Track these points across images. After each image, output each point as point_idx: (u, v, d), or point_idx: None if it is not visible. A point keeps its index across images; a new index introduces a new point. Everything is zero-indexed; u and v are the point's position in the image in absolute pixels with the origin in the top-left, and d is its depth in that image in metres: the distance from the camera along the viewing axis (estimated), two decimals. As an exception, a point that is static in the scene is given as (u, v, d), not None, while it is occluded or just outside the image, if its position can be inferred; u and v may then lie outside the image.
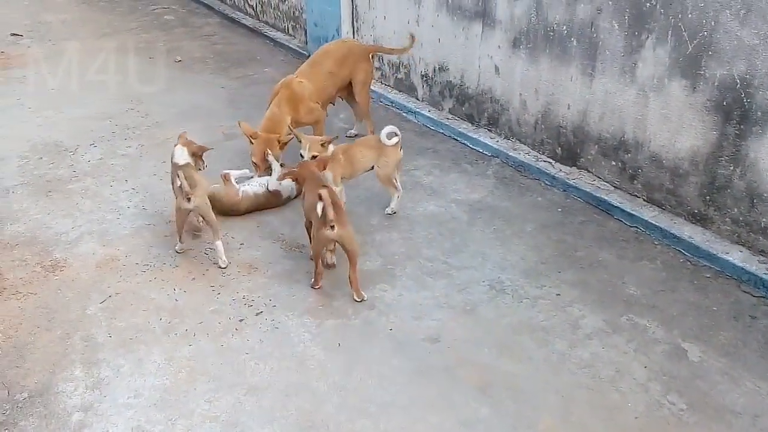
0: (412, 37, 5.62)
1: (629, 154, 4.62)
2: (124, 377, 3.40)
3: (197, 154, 4.54)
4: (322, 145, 4.54)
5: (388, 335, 3.67)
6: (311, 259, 4.17)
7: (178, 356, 3.53)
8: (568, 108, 4.96)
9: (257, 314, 3.85)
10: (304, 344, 3.61)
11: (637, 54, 4.37)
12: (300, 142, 4.61)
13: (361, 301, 3.93)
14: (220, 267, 4.26)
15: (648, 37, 4.26)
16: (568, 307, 3.87)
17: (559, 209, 4.84)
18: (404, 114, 6.53)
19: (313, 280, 4.10)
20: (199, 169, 4.52)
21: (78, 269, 4.27)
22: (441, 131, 6.09)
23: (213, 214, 4.31)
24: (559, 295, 3.97)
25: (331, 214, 3.75)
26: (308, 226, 4.19)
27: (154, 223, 4.77)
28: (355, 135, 6.13)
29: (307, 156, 4.51)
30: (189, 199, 4.19)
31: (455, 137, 5.90)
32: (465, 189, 5.15)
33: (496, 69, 5.48)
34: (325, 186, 3.95)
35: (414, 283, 4.08)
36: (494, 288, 4.03)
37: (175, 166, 4.37)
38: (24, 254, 4.42)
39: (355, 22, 7.06)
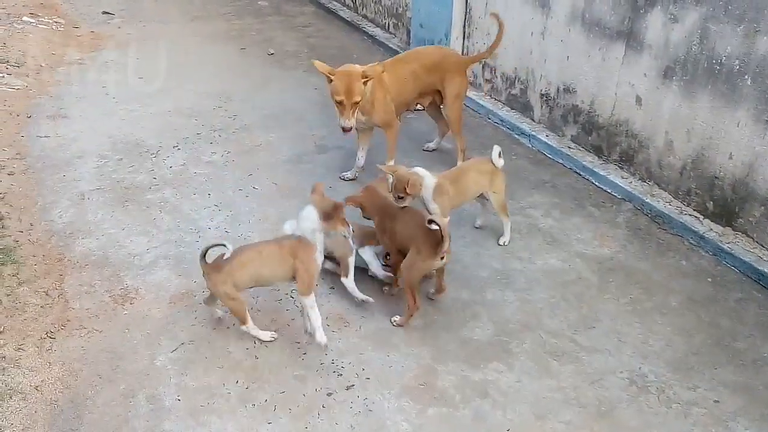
0: (497, 18, 4.98)
1: (808, 224, 3.78)
2: (191, 462, 2.88)
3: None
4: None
5: (506, 439, 3.02)
6: (386, 291, 3.84)
7: (255, 439, 2.99)
8: (730, 157, 4.12)
9: (348, 388, 3.26)
10: (403, 439, 3.00)
11: (837, 105, 3.51)
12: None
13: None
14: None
15: None
16: (731, 421, 3.11)
17: (709, 279, 4.04)
18: (516, 135, 5.78)
19: (399, 318, 3.63)
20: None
21: (150, 303, 3.79)
22: (560, 161, 5.33)
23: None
24: (717, 402, 3.21)
25: (448, 243, 3.38)
26: (390, 256, 3.83)
27: (235, 252, 4.23)
28: (433, 149, 5.52)
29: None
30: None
31: (578, 170, 5.13)
32: (592, 240, 4.40)
33: (638, 99, 4.67)
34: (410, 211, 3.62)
35: (535, 366, 3.40)
36: (635, 383, 3.30)
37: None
38: (93, 278, 3.97)
39: (466, 28, 6.34)
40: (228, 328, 3.61)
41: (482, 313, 3.75)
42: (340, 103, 4.42)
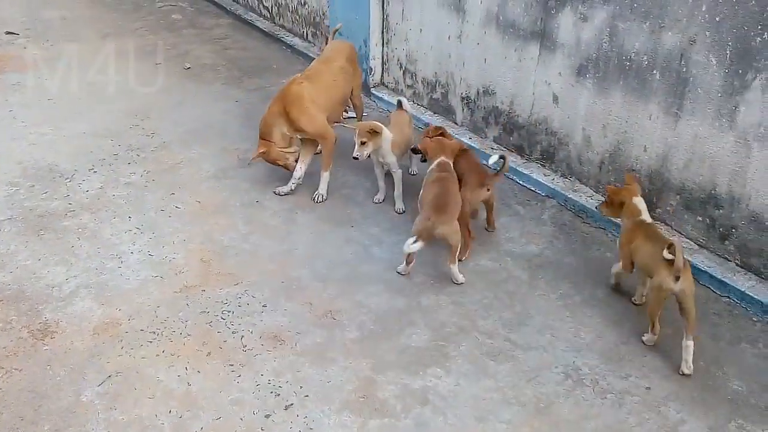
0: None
1: (721, 210, 3.94)
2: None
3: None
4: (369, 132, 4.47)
5: (449, 444, 3.01)
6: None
7: (193, 470, 2.88)
8: (645, 150, 4.27)
9: (286, 408, 3.19)
10: (346, 455, 2.96)
11: (739, 96, 3.68)
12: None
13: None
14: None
15: (756, 77, 3.57)
16: (663, 406, 3.21)
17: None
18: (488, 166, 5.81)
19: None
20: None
21: (72, 336, 3.61)
22: (484, 162, 5.37)
23: None
24: (649, 389, 3.31)
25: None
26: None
27: (161, 275, 4.09)
28: None
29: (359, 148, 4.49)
30: (677, 279, 3.30)
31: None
32: (520, 238, 4.47)
33: (555, 98, 4.79)
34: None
35: (473, 368, 3.42)
36: (570, 377, 3.37)
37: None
38: (9, 314, 3.75)
39: (385, 34, 6.36)
40: (157, 356, 3.48)
41: (418, 320, 3.74)
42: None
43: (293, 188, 4.95)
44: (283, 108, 4.71)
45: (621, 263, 3.76)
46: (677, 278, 3.25)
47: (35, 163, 5.34)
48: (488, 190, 4.26)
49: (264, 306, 3.85)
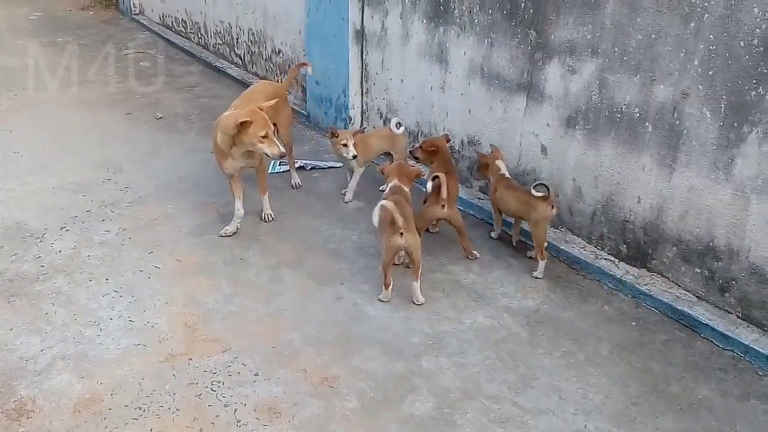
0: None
1: (719, 262, 3.91)
2: None
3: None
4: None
5: None
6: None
7: None
8: (639, 201, 4.24)
9: (289, 491, 2.98)
10: None
11: (735, 148, 3.68)
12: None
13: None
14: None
15: (752, 130, 3.58)
16: (681, 472, 3.09)
17: (633, 323, 4.09)
18: (423, 189, 5.73)
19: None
20: None
21: (50, 415, 3.35)
22: (471, 212, 5.32)
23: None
24: (664, 453, 3.19)
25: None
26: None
27: (143, 343, 3.86)
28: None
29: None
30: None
31: (490, 221, 5.12)
32: (515, 293, 4.37)
33: (543, 149, 4.75)
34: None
35: (482, 437, 3.26)
36: (583, 443, 3.24)
37: None
38: (-21, 393, 3.47)
39: (364, 83, 6.30)
40: (145, 434, 3.24)
41: (420, 385, 3.58)
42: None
43: (238, 225, 5.02)
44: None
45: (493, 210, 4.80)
46: (552, 206, 4.31)
47: (2, 222, 5.07)
48: (443, 207, 4.43)
49: (256, 375, 3.65)
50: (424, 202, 4.68)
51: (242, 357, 3.77)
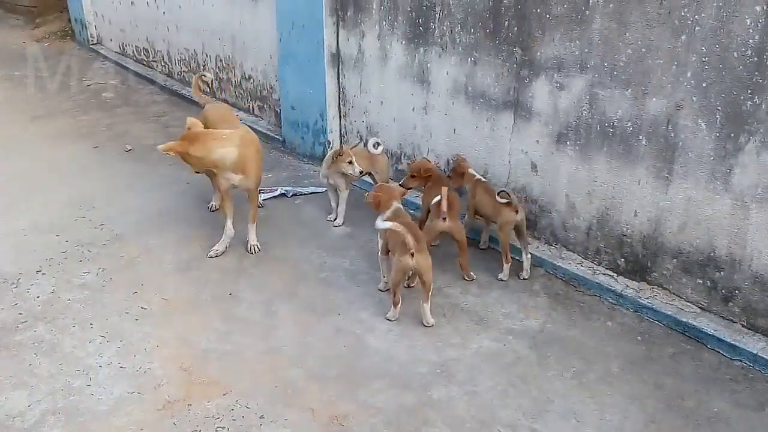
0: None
1: (721, 272, 3.91)
2: None
3: None
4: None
5: None
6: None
7: None
8: (635, 215, 4.22)
9: None
10: None
11: (733, 158, 3.69)
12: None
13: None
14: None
15: (750, 140, 3.59)
16: (710, 491, 3.04)
17: (639, 337, 4.05)
18: (412, 211, 5.65)
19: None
20: None
21: (44, 478, 3.12)
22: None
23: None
24: (691, 473, 3.14)
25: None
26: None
27: (138, 390, 3.66)
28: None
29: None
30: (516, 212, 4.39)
31: (476, 238, 5.05)
32: (517, 313, 4.30)
33: (533, 166, 4.72)
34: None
35: (505, 469, 3.16)
36: (608, 468, 3.16)
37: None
38: (-36, 457, 3.23)
39: (342, 107, 6.21)
40: (150, 490, 3.05)
41: (433, 417, 3.47)
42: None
43: (228, 246, 5.00)
44: None
45: (467, 214, 4.85)
46: (516, 211, 4.43)
47: (-28, 269, 4.80)
48: (444, 220, 4.37)
49: (261, 417, 3.48)
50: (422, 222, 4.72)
51: (244, 399, 3.60)
